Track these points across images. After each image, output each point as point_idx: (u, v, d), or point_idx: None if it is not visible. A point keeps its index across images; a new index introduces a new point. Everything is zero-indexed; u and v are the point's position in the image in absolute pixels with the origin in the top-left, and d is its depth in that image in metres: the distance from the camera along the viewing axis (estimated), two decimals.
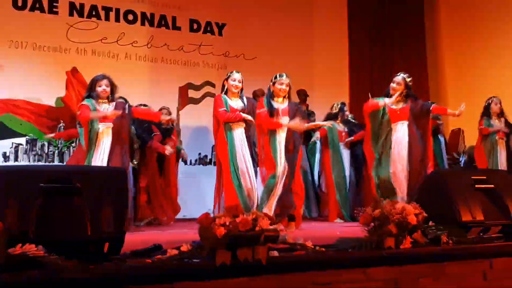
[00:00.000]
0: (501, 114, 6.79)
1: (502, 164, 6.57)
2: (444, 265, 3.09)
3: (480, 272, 3.21)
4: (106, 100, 5.12)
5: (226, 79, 5.42)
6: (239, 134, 5.26)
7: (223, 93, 5.41)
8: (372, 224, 3.04)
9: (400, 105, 5.68)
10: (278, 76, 5.39)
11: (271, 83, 5.41)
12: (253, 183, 5.23)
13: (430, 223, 3.27)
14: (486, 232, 3.61)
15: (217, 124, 5.39)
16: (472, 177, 3.67)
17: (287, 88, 5.39)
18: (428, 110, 5.71)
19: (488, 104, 6.81)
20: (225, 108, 5.25)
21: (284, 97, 5.41)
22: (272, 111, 5.28)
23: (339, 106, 7.08)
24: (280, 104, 5.38)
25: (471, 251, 3.22)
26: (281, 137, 5.27)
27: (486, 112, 6.79)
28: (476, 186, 3.61)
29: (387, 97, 5.73)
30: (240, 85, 5.38)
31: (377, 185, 5.59)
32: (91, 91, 5.12)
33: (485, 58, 9.15)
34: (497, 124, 6.73)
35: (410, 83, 5.70)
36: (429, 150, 5.72)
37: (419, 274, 3.00)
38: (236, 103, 5.35)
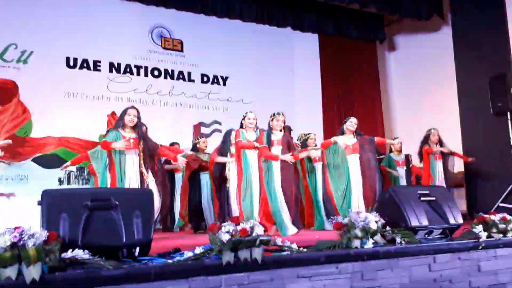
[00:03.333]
0: (439, 143, 6.62)
1: (440, 180, 6.51)
2: (399, 260, 3.06)
3: (426, 265, 3.18)
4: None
5: (243, 119, 5.26)
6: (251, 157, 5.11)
7: (241, 128, 5.27)
8: (343, 229, 3.02)
9: (353, 141, 5.65)
10: (276, 114, 5.16)
11: (270, 119, 5.17)
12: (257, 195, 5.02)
13: (387, 228, 3.25)
14: (430, 234, 3.59)
15: (238, 150, 5.21)
16: (418, 192, 3.67)
17: (282, 124, 5.16)
18: (372, 141, 5.71)
19: (428, 135, 6.64)
20: (241, 139, 5.13)
21: (280, 130, 5.17)
22: (270, 143, 5.05)
23: (303, 138, 6.69)
24: (277, 136, 5.13)
25: (419, 248, 3.19)
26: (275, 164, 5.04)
27: (426, 141, 6.64)
28: (421, 198, 3.60)
29: (341, 134, 5.67)
30: (254, 122, 5.22)
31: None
32: None
33: (426, 100, 9.24)
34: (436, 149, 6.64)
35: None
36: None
37: (379, 267, 2.98)
38: (250, 135, 5.19)
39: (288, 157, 5.00)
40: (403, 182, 6.98)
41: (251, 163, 5.08)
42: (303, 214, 6.15)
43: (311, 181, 6.24)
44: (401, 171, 7.07)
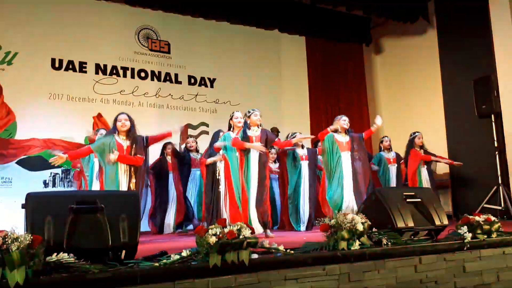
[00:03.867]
0: (422, 146, 6.67)
1: (425, 183, 6.55)
2: (385, 261, 3.08)
3: (412, 266, 3.20)
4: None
5: (231, 119, 5.20)
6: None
7: (229, 129, 5.21)
8: (329, 231, 3.03)
9: (345, 139, 5.70)
10: (251, 110, 5.15)
11: (247, 117, 5.13)
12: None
13: (374, 229, 3.27)
14: (416, 235, 3.61)
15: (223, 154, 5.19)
16: (404, 193, 3.69)
17: (260, 119, 5.12)
18: (361, 138, 5.77)
19: (412, 138, 6.69)
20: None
21: (257, 126, 5.12)
22: (247, 138, 5.00)
23: (292, 135, 6.81)
24: (254, 132, 5.08)
25: (405, 250, 3.21)
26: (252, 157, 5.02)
27: (411, 145, 6.69)
28: (407, 200, 3.62)
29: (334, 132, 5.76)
30: (242, 120, 5.16)
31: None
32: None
33: (411, 102, 9.32)
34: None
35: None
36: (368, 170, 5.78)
37: (366, 268, 2.99)
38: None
39: (258, 146, 4.97)
40: (393, 179, 6.99)
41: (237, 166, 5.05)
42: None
43: (292, 180, 6.25)
44: (392, 169, 7.08)
